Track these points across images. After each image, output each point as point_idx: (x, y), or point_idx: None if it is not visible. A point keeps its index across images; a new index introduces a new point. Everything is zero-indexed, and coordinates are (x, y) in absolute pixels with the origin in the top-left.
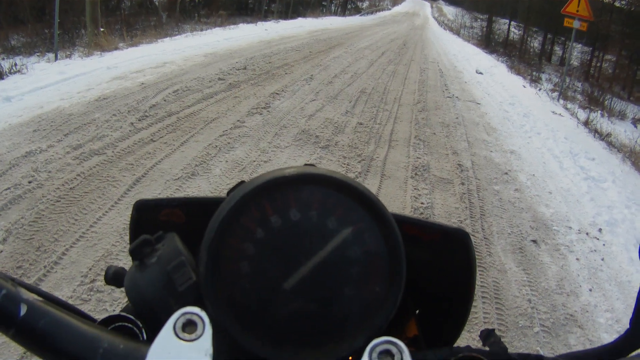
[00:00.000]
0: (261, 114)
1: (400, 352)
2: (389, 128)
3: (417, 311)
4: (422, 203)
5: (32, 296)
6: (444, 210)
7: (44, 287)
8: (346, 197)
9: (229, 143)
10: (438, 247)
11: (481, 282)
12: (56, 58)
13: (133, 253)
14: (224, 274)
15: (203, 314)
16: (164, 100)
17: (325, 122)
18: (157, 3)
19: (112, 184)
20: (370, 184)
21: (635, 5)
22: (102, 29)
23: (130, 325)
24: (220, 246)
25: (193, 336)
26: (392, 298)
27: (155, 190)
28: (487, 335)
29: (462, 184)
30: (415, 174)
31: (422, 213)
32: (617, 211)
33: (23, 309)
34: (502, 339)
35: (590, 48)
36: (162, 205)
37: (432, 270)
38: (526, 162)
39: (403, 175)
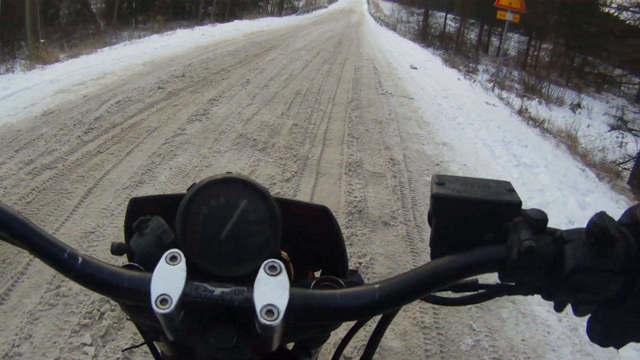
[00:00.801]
0: (200, 120)
1: (280, 266)
2: (323, 128)
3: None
4: (355, 197)
5: (82, 254)
6: (377, 202)
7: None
8: (246, 187)
9: (171, 151)
10: (316, 219)
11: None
12: None
13: (136, 227)
14: (189, 232)
15: (180, 252)
16: (107, 112)
17: (262, 125)
18: (94, 11)
19: (66, 196)
20: (306, 182)
21: None
22: (42, 41)
23: (137, 265)
24: (186, 216)
25: (176, 263)
26: (274, 240)
27: (106, 200)
28: (350, 272)
29: (394, 177)
30: (349, 170)
31: (355, 206)
32: (549, 194)
33: (80, 260)
34: None
35: (527, 38)
36: (146, 200)
37: (315, 234)
38: (458, 152)
39: (337, 172)
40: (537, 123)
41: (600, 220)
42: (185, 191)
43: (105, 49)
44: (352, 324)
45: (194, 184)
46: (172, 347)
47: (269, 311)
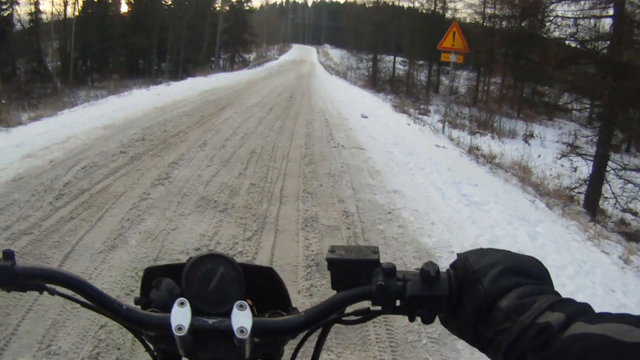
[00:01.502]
0: (163, 184)
1: (246, 304)
2: (279, 185)
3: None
4: (312, 251)
5: (125, 303)
6: None
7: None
8: (222, 259)
9: (139, 215)
10: (265, 274)
11: None
12: None
13: (154, 285)
14: (190, 287)
15: (185, 299)
16: (75, 178)
17: (221, 187)
18: (50, 69)
19: (45, 261)
20: (266, 239)
21: (513, 21)
22: (3, 101)
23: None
24: (188, 277)
25: (184, 306)
26: (240, 289)
27: (84, 264)
28: (292, 308)
29: (348, 228)
30: (305, 226)
31: (313, 259)
32: (499, 229)
33: (124, 307)
34: None
35: (476, 73)
36: (155, 267)
37: (266, 284)
38: (409, 198)
39: (294, 227)
40: (487, 160)
41: (426, 267)
42: (178, 261)
43: (65, 111)
44: (297, 341)
45: (191, 257)
46: None
47: (241, 331)
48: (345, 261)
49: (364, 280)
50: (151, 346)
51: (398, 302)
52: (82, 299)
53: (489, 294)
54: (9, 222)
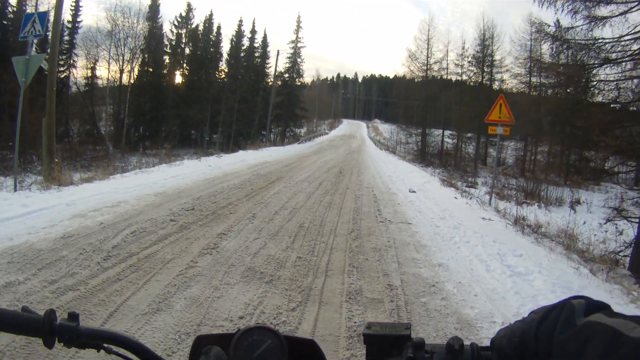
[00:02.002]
0: (211, 254)
1: None
2: (325, 259)
3: None
4: (355, 322)
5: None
6: None
7: None
8: (268, 331)
9: (185, 282)
10: (308, 346)
11: None
12: (15, 188)
13: (203, 352)
14: (237, 355)
15: None
16: (124, 241)
17: (268, 259)
18: (103, 133)
19: (89, 317)
20: (310, 311)
21: (558, 89)
22: (55, 160)
23: None
24: (236, 346)
25: None
26: (283, 357)
27: (127, 323)
28: None
29: (392, 301)
30: (349, 298)
31: (355, 331)
32: (542, 297)
33: None
34: None
35: (523, 144)
36: (206, 336)
37: (308, 356)
38: (454, 271)
39: (338, 300)
40: (533, 230)
41: (451, 341)
42: (226, 331)
43: (117, 175)
44: None
45: (239, 329)
46: None
47: None
48: (379, 336)
49: (395, 353)
50: None
51: None
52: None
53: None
54: (55, 277)
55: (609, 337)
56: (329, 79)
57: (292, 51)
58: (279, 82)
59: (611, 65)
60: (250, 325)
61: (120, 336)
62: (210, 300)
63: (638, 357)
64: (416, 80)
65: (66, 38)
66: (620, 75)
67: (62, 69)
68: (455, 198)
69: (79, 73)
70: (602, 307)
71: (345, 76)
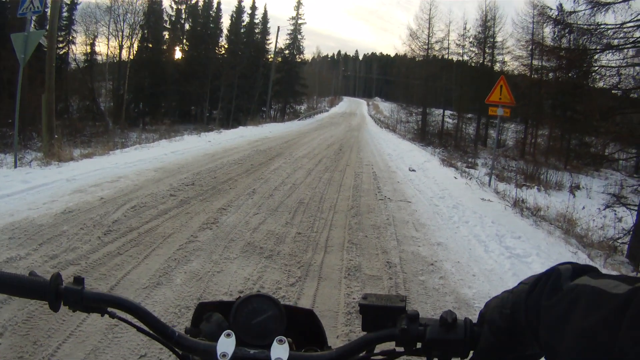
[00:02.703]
0: (211, 229)
1: (285, 340)
2: (324, 235)
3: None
4: (353, 298)
5: (177, 330)
6: None
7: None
8: (268, 299)
9: (185, 256)
10: (307, 315)
11: None
12: (15, 165)
13: (205, 318)
14: (237, 321)
15: (232, 331)
16: (124, 216)
17: (268, 234)
18: (103, 109)
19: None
20: (309, 286)
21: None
22: (55, 136)
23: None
24: (236, 313)
25: (230, 337)
26: (281, 326)
27: (127, 297)
28: (327, 347)
29: (390, 278)
30: (348, 274)
31: (353, 307)
32: None
33: (176, 334)
34: None
35: (524, 126)
36: (207, 303)
37: (307, 323)
38: (452, 251)
39: (337, 276)
40: (532, 213)
41: (445, 314)
42: (227, 299)
43: (117, 151)
44: None
45: (240, 296)
46: None
47: None
48: (375, 307)
49: (390, 324)
50: None
51: (419, 345)
52: (138, 324)
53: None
54: (56, 252)
55: (594, 297)
56: (329, 56)
57: (292, 28)
58: (279, 59)
59: (613, 51)
60: (251, 293)
61: (124, 301)
62: (210, 275)
63: (620, 311)
64: (417, 59)
65: (65, 14)
66: (622, 61)
67: (61, 45)
68: (455, 178)
69: (78, 49)
70: (588, 270)
71: (345, 53)
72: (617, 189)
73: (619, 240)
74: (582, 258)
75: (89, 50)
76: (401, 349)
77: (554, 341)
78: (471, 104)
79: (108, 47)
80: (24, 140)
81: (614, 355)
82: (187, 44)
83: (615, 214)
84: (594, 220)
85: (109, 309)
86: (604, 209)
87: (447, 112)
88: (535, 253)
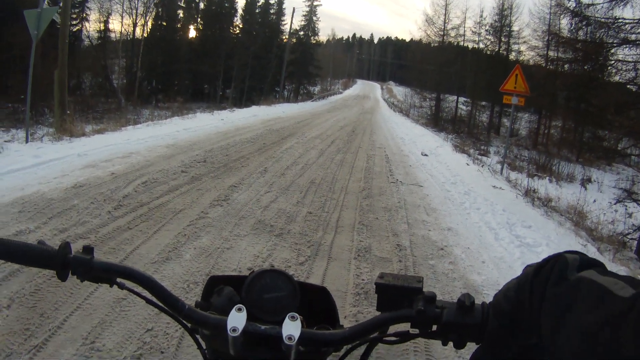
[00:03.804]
0: (222, 205)
1: (297, 316)
2: (335, 215)
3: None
4: (363, 279)
5: (187, 303)
6: None
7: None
8: (281, 274)
9: (195, 232)
10: (320, 293)
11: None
12: (27, 140)
13: (216, 292)
14: (249, 296)
15: (243, 306)
16: (135, 191)
17: (279, 213)
18: (116, 86)
19: None
20: (318, 266)
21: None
22: (67, 112)
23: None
24: (249, 287)
25: (241, 312)
26: (294, 303)
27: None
28: (339, 325)
29: (400, 261)
30: (358, 255)
31: (362, 288)
32: None
33: (186, 307)
34: None
35: (537, 116)
36: (219, 277)
37: (320, 300)
38: (462, 237)
39: (347, 257)
40: (543, 203)
41: (463, 297)
42: (240, 273)
43: (129, 127)
44: (342, 353)
45: (253, 270)
46: None
47: (289, 338)
48: (391, 287)
49: (406, 305)
50: (203, 345)
51: (435, 328)
52: (148, 296)
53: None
54: (66, 226)
55: (599, 294)
56: (344, 38)
57: (307, 9)
58: (294, 40)
59: (630, 46)
60: (264, 268)
61: (134, 271)
62: (220, 251)
63: (624, 315)
64: (432, 45)
65: None
66: (639, 56)
67: (74, 22)
68: (467, 164)
69: (92, 27)
70: (595, 265)
71: (361, 37)
72: (628, 184)
73: (629, 236)
74: (592, 251)
75: (102, 28)
76: (416, 331)
77: (554, 329)
78: (485, 92)
79: (122, 25)
80: (36, 116)
81: (613, 356)
82: (202, 22)
83: (626, 209)
84: (604, 214)
85: (118, 280)
86: (615, 204)
87: (461, 99)
88: (545, 243)
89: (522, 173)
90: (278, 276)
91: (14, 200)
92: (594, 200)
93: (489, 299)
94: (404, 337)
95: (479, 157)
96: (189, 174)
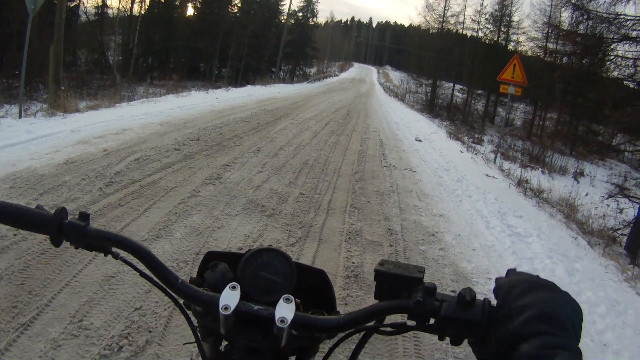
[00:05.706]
0: (214, 184)
1: (292, 298)
2: (327, 198)
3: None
4: (353, 262)
5: (181, 277)
6: (372, 268)
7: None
8: (278, 254)
9: (186, 210)
10: (317, 275)
11: None
12: (20, 115)
13: (210, 267)
14: (244, 274)
15: (237, 284)
16: (127, 168)
17: (271, 193)
18: (111, 62)
19: None
20: (309, 248)
21: (574, 58)
22: (62, 87)
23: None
24: (244, 265)
25: (234, 290)
26: (290, 284)
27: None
28: (336, 311)
29: (391, 245)
30: (349, 238)
31: (352, 271)
32: (539, 261)
33: (179, 281)
34: None
35: (533, 108)
36: (215, 253)
37: (317, 283)
38: (454, 223)
39: (338, 239)
40: (535, 194)
41: (464, 291)
42: (235, 251)
43: (123, 104)
44: (335, 341)
45: (250, 249)
46: (212, 348)
47: (282, 320)
48: (391, 275)
49: (405, 295)
50: (194, 322)
51: (432, 321)
52: (141, 269)
53: (513, 333)
54: (57, 202)
55: None
56: (342, 21)
57: None
58: (292, 21)
59: (630, 42)
60: (262, 246)
61: (129, 241)
62: (210, 230)
63: None
64: (431, 31)
65: None
66: (639, 53)
67: None
68: (461, 152)
69: (89, 2)
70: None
71: (359, 20)
72: (621, 180)
73: (619, 231)
74: (582, 244)
75: (100, 4)
76: (413, 323)
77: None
78: (482, 81)
79: (119, 1)
80: (30, 91)
81: None
82: (200, 0)
83: (617, 205)
84: (595, 208)
85: (113, 249)
86: (607, 198)
87: (457, 87)
88: (536, 234)
89: (515, 163)
90: (275, 255)
91: (5, 175)
92: (586, 194)
93: (478, 287)
94: (400, 328)
95: (473, 145)
96: (181, 152)
